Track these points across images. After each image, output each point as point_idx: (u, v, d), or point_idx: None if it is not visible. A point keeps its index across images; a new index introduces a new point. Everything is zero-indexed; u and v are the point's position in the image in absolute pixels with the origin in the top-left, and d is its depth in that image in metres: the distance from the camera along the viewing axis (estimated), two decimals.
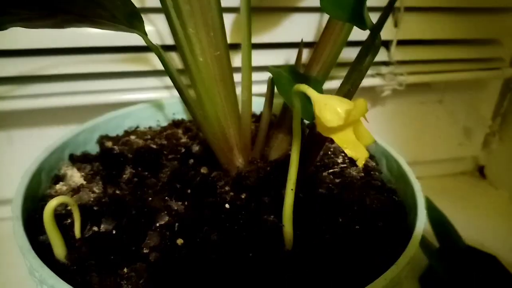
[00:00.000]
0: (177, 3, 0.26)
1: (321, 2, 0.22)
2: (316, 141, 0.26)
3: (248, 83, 0.30)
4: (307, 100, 0.20)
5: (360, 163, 0.18)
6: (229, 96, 0.29)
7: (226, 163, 0.30)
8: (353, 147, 0.19)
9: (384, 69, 0.47)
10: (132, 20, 0.25)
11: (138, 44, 0.38)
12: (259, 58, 0.40)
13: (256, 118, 0.37)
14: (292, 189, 0.23)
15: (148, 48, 0.25)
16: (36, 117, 0.43)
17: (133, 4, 0.25)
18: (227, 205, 0.27)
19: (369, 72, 0.48)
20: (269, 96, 0.30)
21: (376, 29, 0.20)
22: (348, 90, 0.23)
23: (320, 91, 0.29)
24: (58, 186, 0.27)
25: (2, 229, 0.48)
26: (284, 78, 0.27)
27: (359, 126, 0.19)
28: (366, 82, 0.47)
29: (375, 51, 0.20)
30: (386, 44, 0.47)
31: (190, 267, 0.23)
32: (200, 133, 0.34)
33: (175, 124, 0.37)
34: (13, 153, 0.45)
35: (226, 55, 0.28)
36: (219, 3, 0.27)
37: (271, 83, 0.30)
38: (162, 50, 0.25)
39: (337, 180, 0.28)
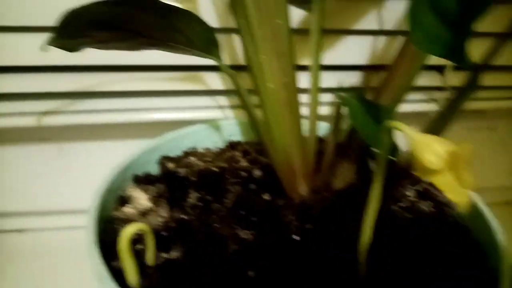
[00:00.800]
0: (251, 27, 0.26)
1: (412, 35, 0.21)
2: (393, 177, 0.26)
3: (314, 108, 0.29)
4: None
5: (462, 208, 0.18)
6: (295, 121, 0.28)
7: (290, 190, 0.29)
8: (453, 191, 0.18)
9: (437, 94, 0.46)
10: (209, 46, 0.25)
11: (193, 63, 0.39)
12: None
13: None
14: (370, 227, 0.22)
15: (201, 67, 0.25)
16: (87, 131, 0.44)
17: (212, 31, 0.25)
18: (295, 236, 0.26)
19: (422, 97, 0.48)
20: (335, 123, 0.30)
21: (480, 68, 0.19)
22: (440, 128, 0.22)
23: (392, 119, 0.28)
24: (126, 209, 0.27)
25: (51, 239, 0.49)
26: (357, 107, 0.27)
27: (461, 169, 0.18)
28: (419, 107, 0.47)
29: (472, 90, 0.20)
30: (440, 69, 0.46)
31: None
32: (260, 157, 0.33)
33: (232, 146, 0.36)
34: (62, 165, 0.45)
35: (294, 80, 0.28)
36: (289, 28, 0.27)
37: (337, 109, 0.30)
38: (235, 75, 0.25)
39: (408, 215, 0.28)
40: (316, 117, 0.29)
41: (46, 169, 0.45)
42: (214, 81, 0.42)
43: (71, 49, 0.25)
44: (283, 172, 0.28)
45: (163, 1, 0.23)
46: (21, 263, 0.46)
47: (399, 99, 0.29)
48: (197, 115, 0.41)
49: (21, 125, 0.40)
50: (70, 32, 0.23)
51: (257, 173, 0.32)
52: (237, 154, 0.34)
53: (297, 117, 0.28)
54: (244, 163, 0.33)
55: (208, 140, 0.36)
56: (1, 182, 0.46)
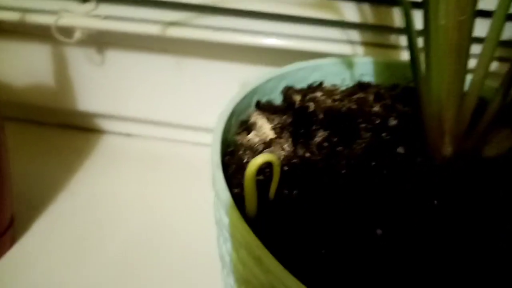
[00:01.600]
0: None
1: None
2: None
3: (486, 61, 0.24)
4: None
5: None
6: (459, 71, 0.24)
7: (432, 148, 0.25)
8: None
9: None
10: None
11: None
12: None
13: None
14: None
15: None
16: (208, 49, 0.42)
17: None
18: (433, 200, 0.23)
19: None
20: (507, 83, 0.24)
21: None
22: None
23: None
24: (250, 136, 0.25)
25: (156, 148, 0.50)
26: None
27: None
28: None
29: None
30: None
31: (389, 262, 0.20)
32: (397, 104, 0.29)
33: (361, 86, 0.32)
34: (179, 80, 0.45)
35: (470, 23, 0.23)
36: None
37: None
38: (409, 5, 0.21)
39: None
40: (485, 73, 0.24)
41: (161, 80, 0.45)
42: (350, 12, 0.37)
43: None
44: (430, 126, 0.24)
45: None
46: (125, 166, 0.48)
47: None
48: (325, 48, 0.38)
49: (144, 32, 0.39)
50: None
51: (392, 122, 0.28)
52: (369, 97, 0.30)
53: (463, 67, 0.24)
54: (377, 108, 0.29)
55: (337, 77, 0.33)
56: (117, 85, 0.47)
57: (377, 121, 0.28)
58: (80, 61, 0.45)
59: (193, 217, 0.41)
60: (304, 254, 0.20)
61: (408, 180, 0.24)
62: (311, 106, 0.28)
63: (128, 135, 0.52)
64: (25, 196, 0.42)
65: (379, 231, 0.21)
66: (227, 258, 0.22)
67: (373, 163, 0.25)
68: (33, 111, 0.51)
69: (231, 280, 0.22)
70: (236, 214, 0.19)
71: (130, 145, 0.51)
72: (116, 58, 0.44)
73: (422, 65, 0.24)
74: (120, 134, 0.52)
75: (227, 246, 0.21)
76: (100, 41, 0.43)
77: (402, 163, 0.25)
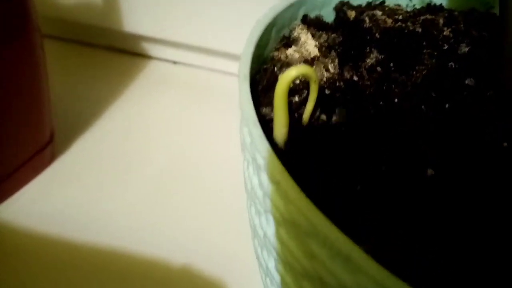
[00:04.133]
0: None
1: None
2: None
3: None
4: None
5: None
6: None
7: (509, 83, 0.21)
8: None
9: None
10: None
11: None
12: None
13: None
14: None
15: None
16: None
17: None
18: (505, 143, 0.19)
19: None
20: None
21: None
22: None
23: None
24: (289, 51, 0.22)
25: (202, 77, 0.48)
26: None
27: None
28: None
29: None
30: None
31: (437, 207, 0.16)
32: (472, 30, 0.24)
33: (432, 9, 0.28)
34: (233, 5, 0.41)
35: None
36: None
37: None
38: None
39: None
40: None
41: (211, 2, 0.42)
42: None
43: None
44: (510, 58, 0.20)
45: None
46: (169, 92, 0.46)
47: None
48: None
49: None
50: None
51: (463, 49, 0.23)
52: (439, 19, 0.25)
53: None
54: (446, 32, 0.25)
55: None
56: (166, 6, 0.44)
57: (445, 47, 0.23)
58: None
59: (232, 151, 0.39)
60: (336, 188, 0.17)
61: (475, 116, 0.20)
62: (367, 23, 0.24)
63: (174, 62, 0.50)
64: (67, 115, 0.41)
65: (430, 171, 0.18)
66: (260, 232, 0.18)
67: (433, 94, 0.21)
68: (77, 30, 0.49)
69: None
70: (258, 131, 0.16)
71: (175, 72, 0.49)
72: None
73: None
74: (166, 60, 0.50)
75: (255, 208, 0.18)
76: None
77: (469, 96, 0.21)
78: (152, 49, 0.49)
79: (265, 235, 0.17)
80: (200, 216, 0.34)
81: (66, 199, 0.34)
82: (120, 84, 0.46)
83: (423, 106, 0.20)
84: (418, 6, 0.28)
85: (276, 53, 0.22)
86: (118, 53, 0.50)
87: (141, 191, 0.35)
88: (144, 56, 0.50)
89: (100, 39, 0.50)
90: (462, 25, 0.25)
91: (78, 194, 0.35)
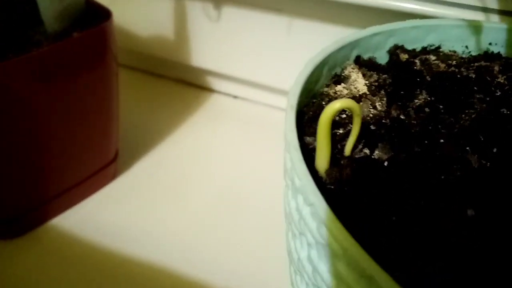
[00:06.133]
0: None
1: None
2: None
3: None
4: None
5: None
6: None
7: None
8: None
9: None
10: None
11: None
12: None
13: None
14: None
15: None
16: (319, 10, 0.40)
17: None
18: None
19: None
20: None
21: None
22: None
23: None
24: (338, 87, 0.23)
25: (260, 113, 0.50)
26: None
27: None
28: None
29: None
30: None
31: (480, 250, 0.16)
32: None
33: (488, 56, 0.28)
34: (289, 42, 0.43)
35: None
36: None
37: None
38: None
39: None
40: None
41: (271, 42, 0.44)
42: None
43: None
44: None
45: None
46: (227, 125, 0.48)
47: None
48: (451, 13, 0.33)
49: None
50: None
51: None
52: (494, 66, 0.26)
53: None
54: (501, 79, 0.25)
55: (458, 43, 0.28)
56: (229, 44, 0.47)
57: (497, 93, 0.23)
58: (198, 16, 0.46)
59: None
60: (374, 220, 0.17)
61: None
62: (418, 65, 0.24)
63: (235, 96, 0.53)
64: (132, 138, 0.45)
65: (470, 212, 0.18)
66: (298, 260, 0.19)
67: (482, 137, 0.21)
68: (150, 62, 0.54)
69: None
70: (298, 156, 0.17)
71: (235, 106, 0.52)
72: (230, 15, 0.44)
73: None
74: (228, 95, 0.53)
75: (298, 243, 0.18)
76: None
77: None
78: (215, 83, 0.53)
79: (298, 258, 0.18)
80: (245, 244, 0.35)
81: (122, 214, 0.37)
82: (183, 113, 0.49)
83: (468, 148, 0.20)
84: (474, 53, 0.28)
85: (326, 89, 0.23)
86: (185, 85, 0.54)
87: (192, 215, 0.37)
88: (207, 90, 0.53)
89: (169, 71, 0.54)
90: None
91: (133, 211, 0.37)
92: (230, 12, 0.45)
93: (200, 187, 0.40)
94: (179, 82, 0.54)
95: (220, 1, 0.44)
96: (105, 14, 0.34)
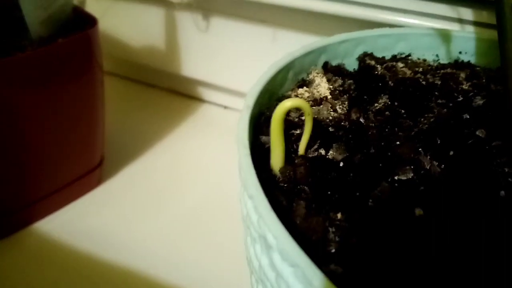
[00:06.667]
0: None
1: None
2: None
3: None
4: None
5: None
6: None
7: None
8: None
9: None
10: None
11: None
12: None
13: None
14: None
15: None
16: (301, 20, 0.41)
17: None
18: (502, 192, 0.18)
19: None
20: None
21: None
22: None
23: None
24: (300, 91, 0.23)
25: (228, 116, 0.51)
26: None
27: None
28: None
29: None
30: None
31: (421, 247, 0.16)
32: (492, 84, 0.25)
33: (458, 65, 0.28)
34: (275, 52, 0.44)
35: None
36: None
37: None
38: None
39: None
40: None
41: (257, 52, 0.45)
42: None
43: None
44: None
45: None
46: (215, 135, 0.49)
47: None
48: (425, 24, 0.33)
49: None
50: None
51: (478, 101, 0.23)
52: (461, 74, 0.26)
53: None
54: (465, 86, 0.25)
55: (428, 51, 0.29)
56: (217, 54, 0.48)
57: (459, 99, 0.24)
58: (188, 27, 0.47)
59: None
60: (324, 218, 0.18)
61: (476, 164, 0.20)
62: (382, 70, 0.25)
63: (225, 107, 0.53)
64: (119, 146, 0.45)
65: (418, 211, 0.18)
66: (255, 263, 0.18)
67: (438, 140, 0.21)
68: (140, 71, 0.55)
69: None
70: (246, 152, 0.18)
71: (225, 116, 0.52)
72: (219, 25, 0.45)
73: None
74: (218, 104, 0.54)
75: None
76: (206, 7, 0.45)
77: (475, 145, 0.21)
78: (205, 93, 0.53)
79: (260, 265, 0.18)
80: (232, 251, 0.35)
81: (105, 220, 0.37)
82: (172, 123, 0.50)
83: (424, 151, 0.20)
84: (444, 62, 0.29)
85: (289, 93, 0.24)
86: (174, 94, 0.54)
87: (173, 223, 0.37)
88: (198, 99, 0.54)
89: (160, 81, 0.55)
90: (484, 80, 0.25)
91: (116, 218, 0.38)
92: (218, 23, 0.46)
93: (185, 196, 0.40)
94: (169, 91, 0.55)
95: (209, 12, 0.45)
96: (91, 21, 0.35)
